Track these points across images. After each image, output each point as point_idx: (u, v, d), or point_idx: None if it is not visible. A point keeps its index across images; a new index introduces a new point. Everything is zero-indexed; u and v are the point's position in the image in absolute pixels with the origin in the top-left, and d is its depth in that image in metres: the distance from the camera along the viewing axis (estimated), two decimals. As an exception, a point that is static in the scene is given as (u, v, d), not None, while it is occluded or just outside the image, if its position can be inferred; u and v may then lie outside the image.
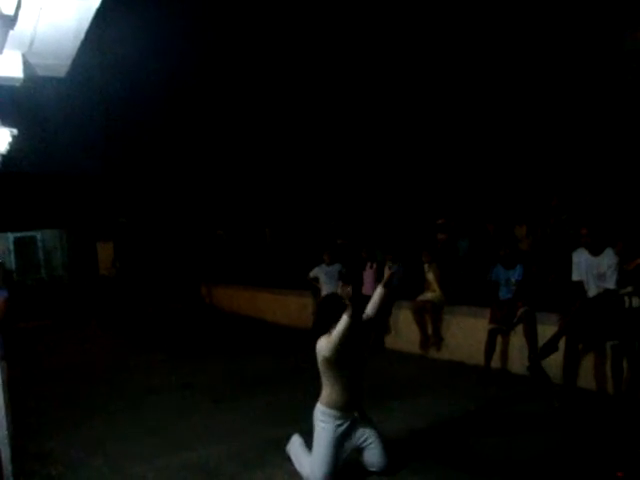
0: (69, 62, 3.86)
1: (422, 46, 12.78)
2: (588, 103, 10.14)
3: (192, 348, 9.76)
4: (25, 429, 5.17)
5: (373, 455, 3.88)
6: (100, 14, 3.32)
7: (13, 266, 19.08)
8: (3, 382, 4.00)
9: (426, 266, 7.70)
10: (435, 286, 7.53)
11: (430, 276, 7.60)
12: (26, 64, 3.64)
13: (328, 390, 3.92)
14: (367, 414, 4.11)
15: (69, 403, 6.56)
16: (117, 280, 16.78)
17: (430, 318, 7.41)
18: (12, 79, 3.59)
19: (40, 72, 3.91)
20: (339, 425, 3.87)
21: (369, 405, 4.91)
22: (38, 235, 19.95)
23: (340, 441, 3.86)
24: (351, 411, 3.92)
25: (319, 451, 3.83)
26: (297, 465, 3.97)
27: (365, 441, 3.90)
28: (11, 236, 19.33)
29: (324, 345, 3.82)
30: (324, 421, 3.88)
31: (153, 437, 5.07)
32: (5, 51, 3.26)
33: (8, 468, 3.92)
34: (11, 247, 19.38)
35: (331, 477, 3.73)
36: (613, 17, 9.67)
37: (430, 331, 7.43)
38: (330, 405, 3.90)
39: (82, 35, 3.50)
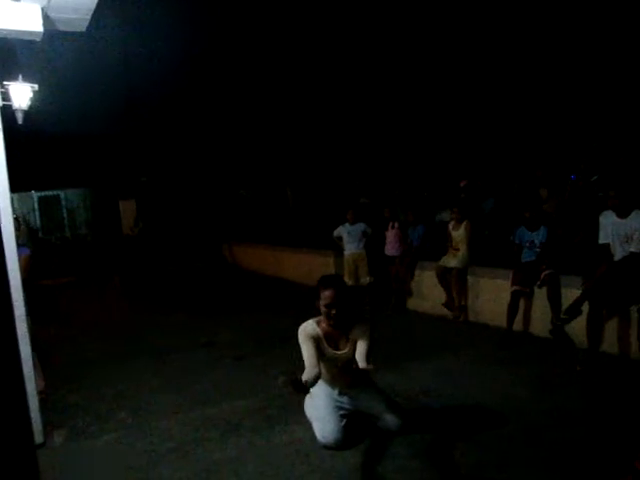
0: (89, 16, 3.80)
1: (455, 23, 12.55)
2: (619, 69, 9.88)
3: (214, 306, 9.89)
4: (51, 383, 5.28)
5: (385, 417, 3.86)
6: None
7: (38, 224, 19.41)
8: (28, 336, 4.08)
9: (452, 224, 7.46)
10: (463, 245, 7.23)
11: (459, 234, 7.28)
12: (46, 18, 3.59)
13: None
14: (380, 376, 4.14)
15: (93, 359, 6.71)
16: (139, 238, 16.94)
17: (455, 285, 7.22)
18: (32, 33, 3.54)
19: (60, 27, 3.85)
20: (332, 391, 3.96)
21: (388, 366, 4.93)
22: (62, 194, 20.21)
23: (336, 404, 3.91)
24: (340, 386, 3.96)
25: (318, 415, 3.87)
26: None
27: (373, 407, 3.90)
28: (35, 195, 19.61)
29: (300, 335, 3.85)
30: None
31: (176, 393, 5.17)
32: (24, 3, 3.21)
33: (36, 419, 4.01)
34: (35, 206, 19.68)
35: (338, 436, 3.72)
36: None
37: (454, 296, 7.29)
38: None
39: (101, -13, 3.43)
